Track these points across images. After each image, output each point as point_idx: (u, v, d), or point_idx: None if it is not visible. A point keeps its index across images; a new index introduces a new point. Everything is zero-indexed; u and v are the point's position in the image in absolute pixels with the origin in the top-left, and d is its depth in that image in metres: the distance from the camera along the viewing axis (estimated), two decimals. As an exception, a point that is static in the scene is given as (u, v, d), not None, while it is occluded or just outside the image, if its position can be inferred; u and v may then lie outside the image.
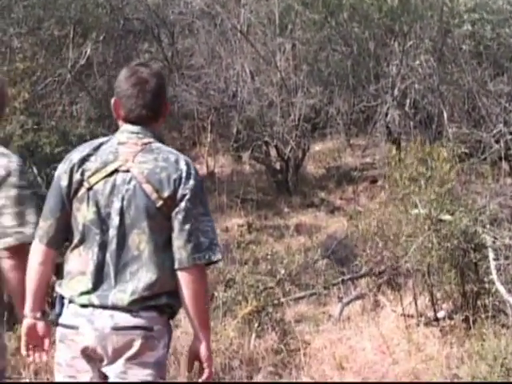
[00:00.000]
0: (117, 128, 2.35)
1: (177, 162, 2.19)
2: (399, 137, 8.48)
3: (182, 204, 2.13)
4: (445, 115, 8.06)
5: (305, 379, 4.69)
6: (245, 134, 9.19)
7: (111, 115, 2.69)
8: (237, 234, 7.98)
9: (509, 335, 4.36)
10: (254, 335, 4.99)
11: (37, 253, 2.18)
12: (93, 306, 2.12)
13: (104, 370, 2.14)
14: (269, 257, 6.46)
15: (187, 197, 2.13)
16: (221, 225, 8.40)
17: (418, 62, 8.37)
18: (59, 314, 2.18)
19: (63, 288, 2.17)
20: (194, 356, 2.19)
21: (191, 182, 2.16)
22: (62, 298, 2.19)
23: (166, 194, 2.13)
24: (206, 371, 2.18)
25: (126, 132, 2.21)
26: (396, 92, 8.35)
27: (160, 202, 2.13)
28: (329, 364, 4.74)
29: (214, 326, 4.86)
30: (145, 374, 2.13)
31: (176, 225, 2.12)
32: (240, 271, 5.95)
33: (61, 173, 2.18)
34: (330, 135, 9.70)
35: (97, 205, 2.15)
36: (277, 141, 9.08)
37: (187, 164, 2.20)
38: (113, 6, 9.28)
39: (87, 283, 2.13)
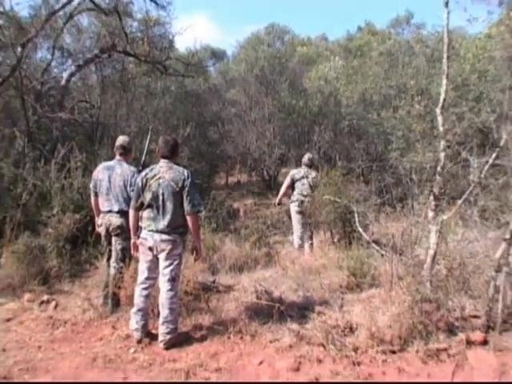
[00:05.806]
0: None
1: (183, 172, 3.46)
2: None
3: (186, 188, 3.43)
4: (336, 157, 11.75)
5: (277, 267, 5.64)
6: (253, 165, 12.83)
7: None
8: (249, 206, 10.21)
9: (362, 249, 5.41)
10: (257, 249, 6.19)
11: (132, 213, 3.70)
12: (152, 230, 3.50)
13: (158, 256, 3.56)
14: (263, 216, 8.27)
15: (187, 186, 3.44)
16: (242, 202, 10.88)
17: (326, 135, 11.89)
18: (139, 235, 3.65)
19: (143, 223, 3.62)
20: (194, 249, 3.49)
21: (189, 180, 3.43)
22: (141, 227, 3.50)
23: (180, 185, 3.43)
24: (200, 252, 3.50)
25: (162, 162, 3.62)
26: (316, 146, 11.76)
27: (177, 189, 3.42)
28: (288, 261, 5.76)
29: (240, 246, 6.08)
30: (175, 255, 3.48)
31: (184, 196, 3.43)
32: (251, 222, 7.53)
33: (139, 180, 3.59)
34: (289, 165, 12.26)
35: (152, 192, 3.48)
36: (266, 167, 12.28)
37: (187, 173, 3.40)
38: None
39: (152, 221, 3.48)
